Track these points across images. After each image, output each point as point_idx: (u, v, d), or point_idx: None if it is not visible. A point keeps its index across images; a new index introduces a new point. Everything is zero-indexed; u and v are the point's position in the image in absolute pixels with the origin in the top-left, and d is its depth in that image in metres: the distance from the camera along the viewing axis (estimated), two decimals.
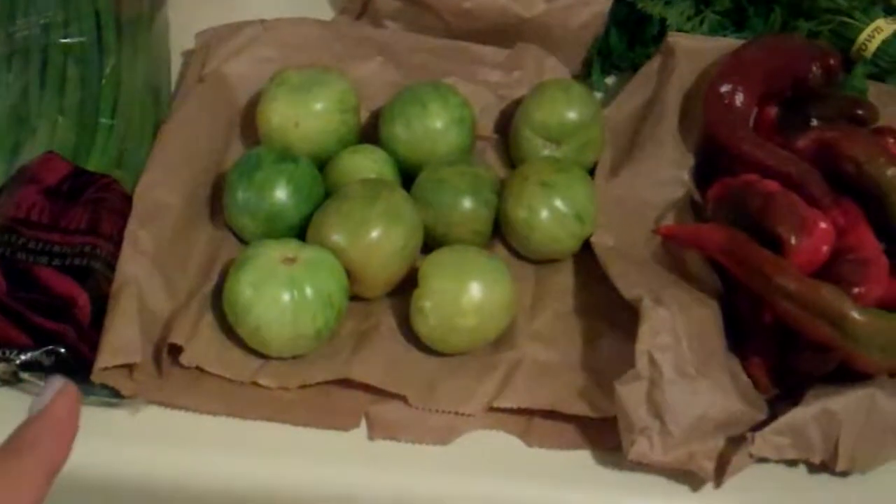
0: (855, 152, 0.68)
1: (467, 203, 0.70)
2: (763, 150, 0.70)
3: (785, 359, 0.64)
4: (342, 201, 0.67)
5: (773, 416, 0.62)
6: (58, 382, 0.36)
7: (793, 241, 0.63)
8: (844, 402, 0.60)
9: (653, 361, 0.60)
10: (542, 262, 0.72)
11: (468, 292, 0.63)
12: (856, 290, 0.62)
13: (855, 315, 0.59)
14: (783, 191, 0.66)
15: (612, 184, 0.75)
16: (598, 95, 0.87)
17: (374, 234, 0.65)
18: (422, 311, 0.64)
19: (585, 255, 0.72)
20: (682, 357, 0.61)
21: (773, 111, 0.77)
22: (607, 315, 0.68)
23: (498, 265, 0.65)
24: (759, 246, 0.63)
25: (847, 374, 0.62)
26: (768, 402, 0.64)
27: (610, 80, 0.89)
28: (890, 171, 0.67)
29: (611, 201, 0.74)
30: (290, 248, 0.64)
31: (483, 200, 0.70)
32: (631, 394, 0.60)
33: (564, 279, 0.71)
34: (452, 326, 0.64)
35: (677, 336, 0.61)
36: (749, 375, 0.64)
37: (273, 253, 0.64)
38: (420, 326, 0.65)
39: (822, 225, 0.64)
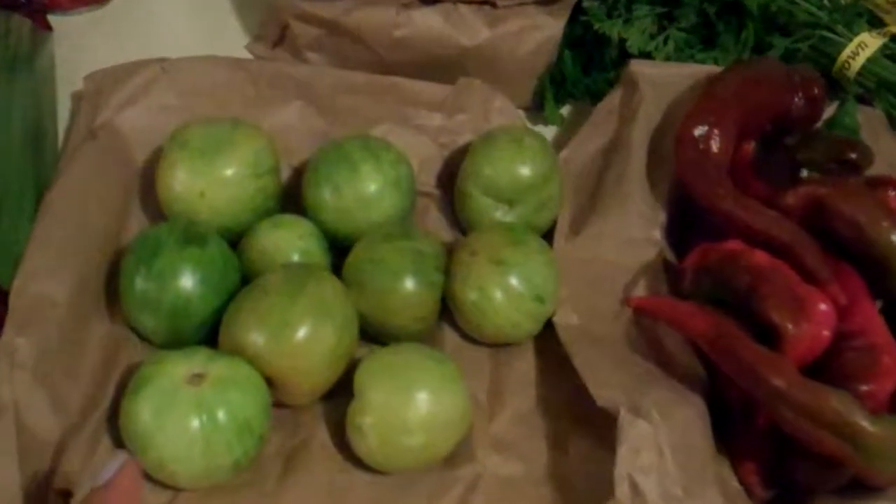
0: (854, 213, 0.59)
1: (409, 285, 0.59)
2: (748, 211, 0.61)
3: (782, 463, 0.55)
4: (260, 296, 0.56)
5: None
6: (122, 456, 0.42)
7: (790, 328, 0.54)
8: None
9: (634, 487, 0.51)
10: (499, 344, 0.62)
11: (413, 406, 0.54)
12: (864, 387, 0.53)
13: (867, 426, 0.50)
14: (774, 266, 0.57)
15: (574, 245, 0.65)
16: (552, 130, 0.77)
17: (300, 335, 0.55)
18: (360, 429, 0.54)
19: (547, 334, 0.62)
20: (667, 476, 0.52)
21: (749, 147, 0.68)
22: (572, 409, 0.59)
23: (447, 370, 0.56)
24: (750, 341, 0.54)
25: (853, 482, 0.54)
26: None
27: (564, 109, 0.78)
28: (895, 236, 0.58)
29: (573, 266, 0.64)
30: (198, 361, 0.54)
31: (427, 282, 0.60)
32: None
33: (524, 366, 0.62)
34: (397, 446, 0.54)
35: (661, 452, 0.52)
36: (741, 481, 0.56)
37: (176, 370, 0.53)
38: (359, 446, 0.55)
39: (822, 307, 0.55)
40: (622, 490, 0.51)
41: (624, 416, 0.52)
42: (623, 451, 0.51)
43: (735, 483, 0.55)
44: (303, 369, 0.55)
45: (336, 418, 0.57)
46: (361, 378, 0.55)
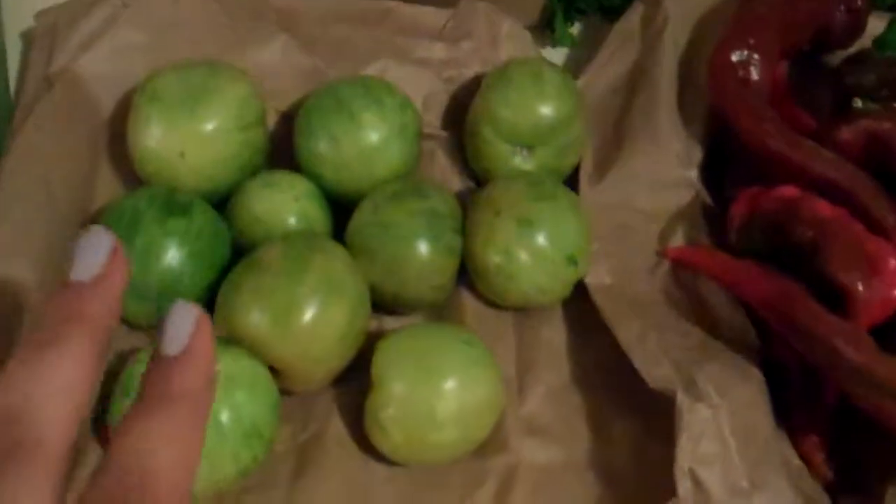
0: None
1: (424, 252, 0.52)
2: (801, 151, 0.54)
3: (852, 441, 0.50)
4: (259, 274, 0.49)
5: None
6: (192, 312, 0.28)
7: (860, 290, 0.48)
8: None
9: (697, 482, 0.46)
10: (522, 308, 0.56)
11: (443, 398, 0.47)
12: None
13: None
14: (837, 217, 0.51)
15: (599, 190, 0.58)
16: (562, 53, 0.69)
17: (308, 317, 0.48)
18: (381, 424, 0.48)
19: (574, 294, 0.56)
20: (732, 467, 0.46)
21: (782, 69, 0.61)
22: (612, 382, 0.53)
23: (477, 352, 0.49)
24: (819, 307, 0.48)
25: None
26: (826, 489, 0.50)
27: (574, 29, 0.70)
28: None
29: (600, 214, 0.57)
30: None
31: (444, 247, 0.53)
32: None
33: (553, 334, 0.55)
34: (425, 442, 0.48)
35: (723, 439, 0.47)
36: (802, 458, 0.50)
37: None
38: (381, 443, 0.49)
39: (893, 262, 0.49)
40: (685, 487, 0.45)
41: (682, 401, 0.47)
42: (683, 442, 0.46)
43: (797, 461, 0.50)
44: (313, 355, 0.49)
45: (351, 405, 0.51)
46: (380, 366, 0.48)
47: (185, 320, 0.28)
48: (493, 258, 0.53)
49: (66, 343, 0.26)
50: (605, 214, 0.57)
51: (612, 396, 0.53)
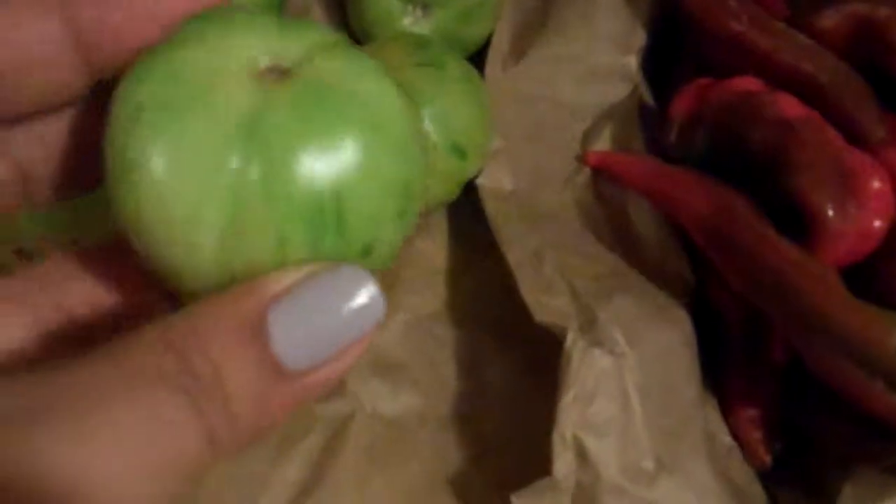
0: None
1: None
2: (769, 36, 0.41)
3: (799, 415, 0.38)
4: None
5: None
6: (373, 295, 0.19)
7: (830, 216, 0.35)
8: None
9: (583, 455, 0.33)
10: None
11: None
12: None
13: None
14: (808, 120, 0.38)
15: (514, 74, 0.45)
16: None
17: None
18: None
19: (467, 201, 0.43)
20: (633, 439, 0.34)
21: None
22: (497, 318, 0.41)
23: None
24: (774, 232, 0.35)
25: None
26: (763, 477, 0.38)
27: None
28: None
29: (511, 105, 0.44)
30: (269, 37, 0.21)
31: None
32: None
33: (430, 247, 0.42)
34: None
35: (626, 401, 0.34)
36: (736, 437, 0.38)
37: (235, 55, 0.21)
38: None
39: (875, 184, 0.36)
40: (564, 461, 0.33)
41: (573, 343, 0.34)
42: (568, 401, 0.33)
43: (726, 438, 0.38)
44: None
45: None
46: None
47: (355, 318, 0.19)
48: None
49: None
50: (517, 105, 0.44)
51: (493, 334, 0.40)
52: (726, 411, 0.38)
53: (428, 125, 0.39)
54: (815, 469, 0.37)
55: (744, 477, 0.37)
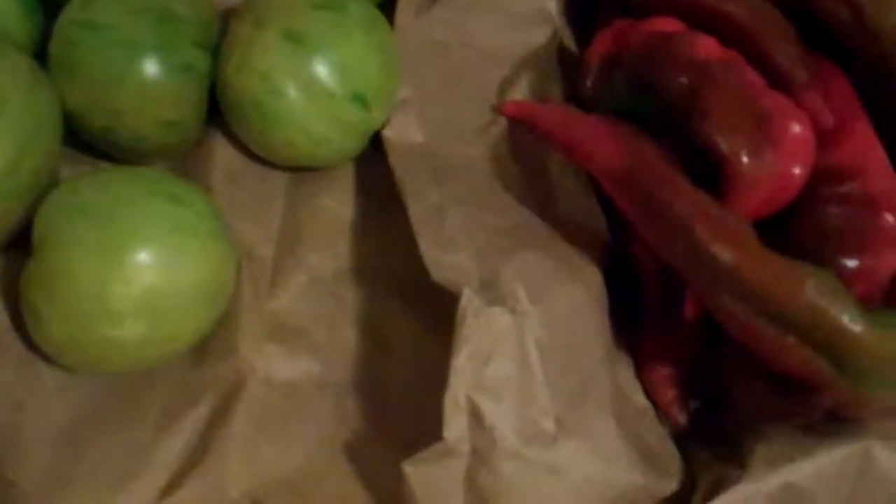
0: None
1: (150, 70, 0.37)
2: None
3: (715, 374, 0.36)
4: None
5: (689, 483, 0.35)
6: None
7: (744, 162, 0.33)
8: (820, 468, 0.33)
9: (477, 418, 0.31)
10: (301, 168, 0.41)
11: (122, 278, 0.32)
12: (852, 263, 0.33)
13: (859, 330, 0.30)
14: (727, 61, 0.36)
15: (427, 20, 0.43)
16: None
17: None
18: (36, 311, 0.33)
19: (375, 156, 0.41)
20: (533, 400, 0.32)
21: None
22: (403, 278, 0.38)
23: (189, 213, 0.34)
24: (684, 181, 0.34)
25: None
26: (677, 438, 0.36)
27: None
28: None
29: (423, 52, 0.42)
30: None
31: (180, 64, 0.37)
32: (435, 483, 0.31)
33: (336, 205, 0.40)
34: (97, 341, 0.33)
35: (526, 361, 0.32)
36: (650, 396, 0.36)
37: None
38: (40, 338, 0.34)
39: (795, 128, 0.35)
40: (457, 425, 0.31)
41: (468, 302, 0.32)
42: (461, 361, 0.31)
43: (640, 398, 0.36)
44: None
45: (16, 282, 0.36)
46: (41, 227, 0.33)
47: None
48: (249, 88, 0.37)
49: None
50: (430, 53, 0.42)
51: (399, 293, 0.38)
52: (641, 371, 0.37)
53: (326, 74, 0.37)
54: (728, 429, 0.35)
55: (657, 438, 0.35)
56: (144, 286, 0.32)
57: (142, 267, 0.32)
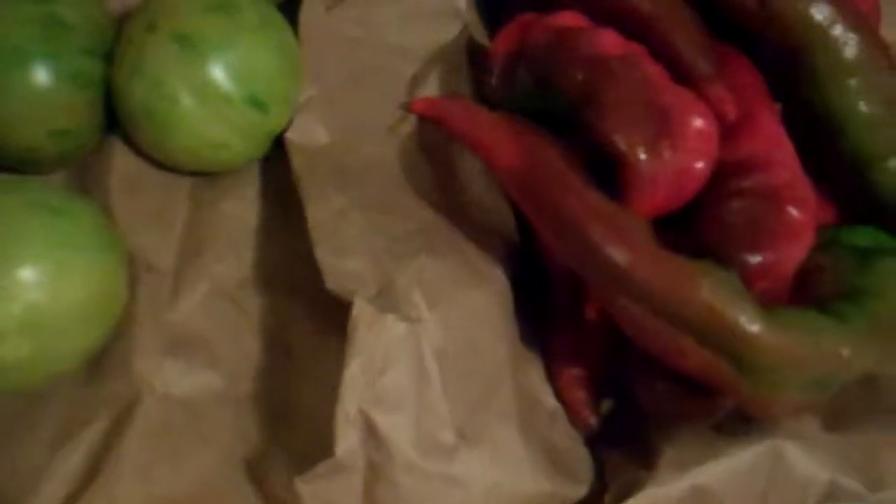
0: None
1: (39, 77, 0.36)
2: None
3: (622, 374, 0.35)
4: None
5: (600, 487, 0.34)
6: None
7: (641, 159, 0.33)
8: (730, 469, 0.33)
9: (372, 431, 0.30)
10: (203, 173, 0.40)
11: (6, 293, 0.31)
12: (754, 259, 0.32)
13: (757, 330, 0.30)
14: (628, 55, 0.35)
15: (336, 15, 0.42)
16: None
17: None
18: None
19: (281, 157, 0.40)
20: (431, 412, 0.31)
21: None
22: (307, 285, 0.38)
23: (73, 226, 0.33)
24: (578, 180, 0.33)
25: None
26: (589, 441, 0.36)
27: None
28: (819, 9, 0.36)
29: (330, 49, 0.41)
30: None
31: (70, 72, 0.36)
32: (330, 499, 0.30)
33: (240, 211, 0.39)
34: None
35: (424, 370, 0.32)
36: (559, 398, 0.36)
37: None
38: None
39: (697, 122, 0.34)
40: (347, 440, 0.30)
41: (360, 311, 0.31)
42: (353, 372, 0.30)
43: (550, 400, 0.35)
44: None
45: None
46: None
47: None
48: (142, 94, 0.36)
49: None
50: (337, 50, 0.41)
51: (303, 301, 0.37)
52: (550, 372, 0.36)
53: (220, 76, 0.36)
54: (639, 430, 0.35)
55: (567, 441, 0.35)
56: (25, 304, 0.31)
57: (22, 284, 0.31)
